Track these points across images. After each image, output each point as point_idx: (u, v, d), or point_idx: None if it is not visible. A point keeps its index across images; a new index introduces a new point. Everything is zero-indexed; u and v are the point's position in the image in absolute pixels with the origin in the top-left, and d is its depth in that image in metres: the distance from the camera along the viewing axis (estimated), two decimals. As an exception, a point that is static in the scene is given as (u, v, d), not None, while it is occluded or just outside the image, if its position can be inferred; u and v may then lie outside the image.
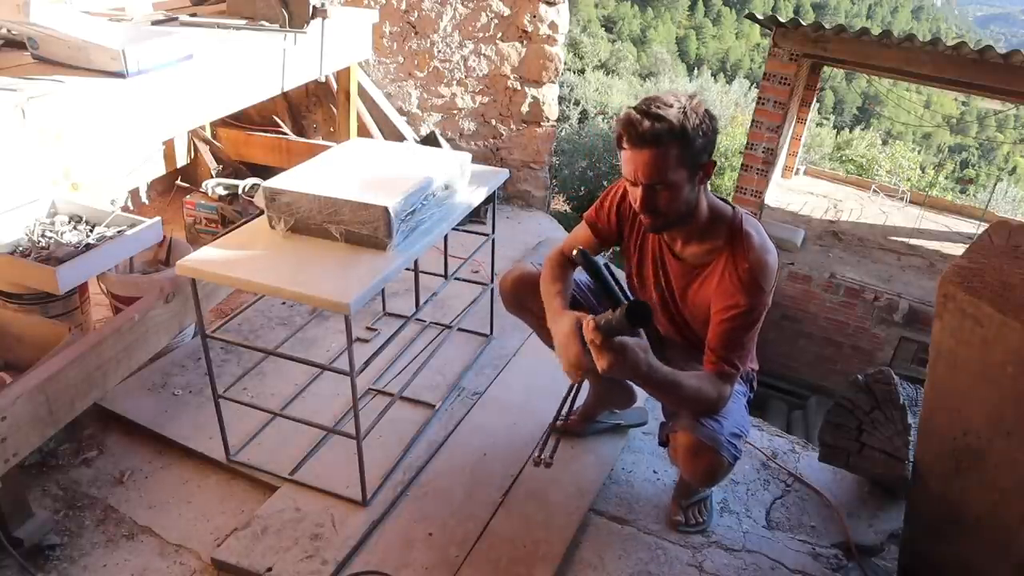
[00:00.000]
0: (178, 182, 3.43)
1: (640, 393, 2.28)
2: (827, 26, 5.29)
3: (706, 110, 1.46)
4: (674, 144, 1.42)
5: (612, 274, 1.43)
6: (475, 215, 3.35)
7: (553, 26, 3.74)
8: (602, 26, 32.99)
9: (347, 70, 3.15)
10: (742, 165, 5.85)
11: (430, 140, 3.69)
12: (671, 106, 1.42)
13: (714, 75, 20.26)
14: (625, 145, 1.47)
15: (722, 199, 1.63)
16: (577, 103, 11.43)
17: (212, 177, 3.28)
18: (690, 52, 36.80)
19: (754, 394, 1.88)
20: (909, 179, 10.76)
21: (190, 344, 2.44)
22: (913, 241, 6.39)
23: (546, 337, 1.92)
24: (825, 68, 6.99)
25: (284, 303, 2.73)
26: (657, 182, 1.46)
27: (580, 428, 2.14)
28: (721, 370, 1.57)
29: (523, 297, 1.88)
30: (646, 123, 1.40)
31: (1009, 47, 5.14)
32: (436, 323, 2.63)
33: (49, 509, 1.82)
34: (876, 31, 5.22)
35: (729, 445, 1.63)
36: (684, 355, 1.77)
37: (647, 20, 38.04)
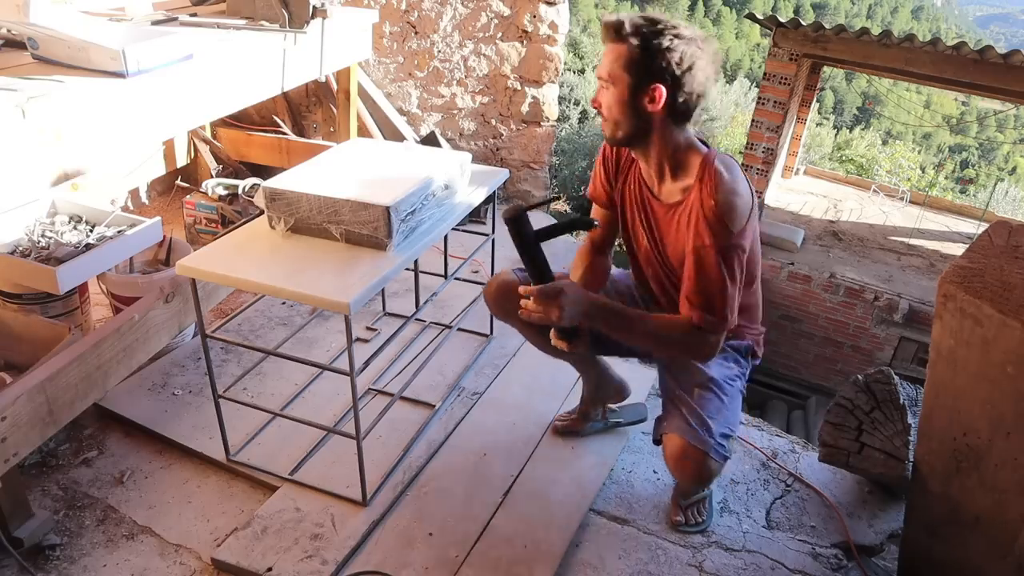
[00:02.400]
0: (178, 182, 3.43)
1: (638, 392, 2.28)
2: (827, 26, 5.29)
3: (692, 49, 1.43)
4: (628, 45, 1.42)
5: (529, 236, 1.49)
6: (475, 215, 3.35)
7: (553, 26, 3.74)
8: (602, 26, 32.88)
9: (347, 70, 3.15)
10: (742, 165, 5.85)
11: (430, 140, 3.69)
12: (657, 23, 1.43)
13: (714, 75, 20.20)
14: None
15: (703, 141, 1.58)
16: (577, 103, 11.43)
17: (212, 177, 3.28)
18: (690, 52, 36.65)
19: (750, 378, 1.83)
20: (909, 179, 10.77)
21: (190, 344, 2.44)
22: (913, 241, 6.39)
23: (533, 340, 1.94)
24: (825, 68, 6.99)
25: (284, 303, 2.73)
26: (603, 76, 1.48)
27: (580, 427, 2.15)
28: (694, 316, 1.52)
29: (505, 305, 1.84)
30: (616, 18, 1.44)
31: (1009, 47, 5.13)
32: (436, 323, 2.63)
33: (49, 509, 1.82)
34: (876, 31, 5.22)
35: (718, 447, 1.63)
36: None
37: (647, 20, 37.93)
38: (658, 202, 1.64)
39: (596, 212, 1.83)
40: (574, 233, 1.47)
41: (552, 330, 1.64)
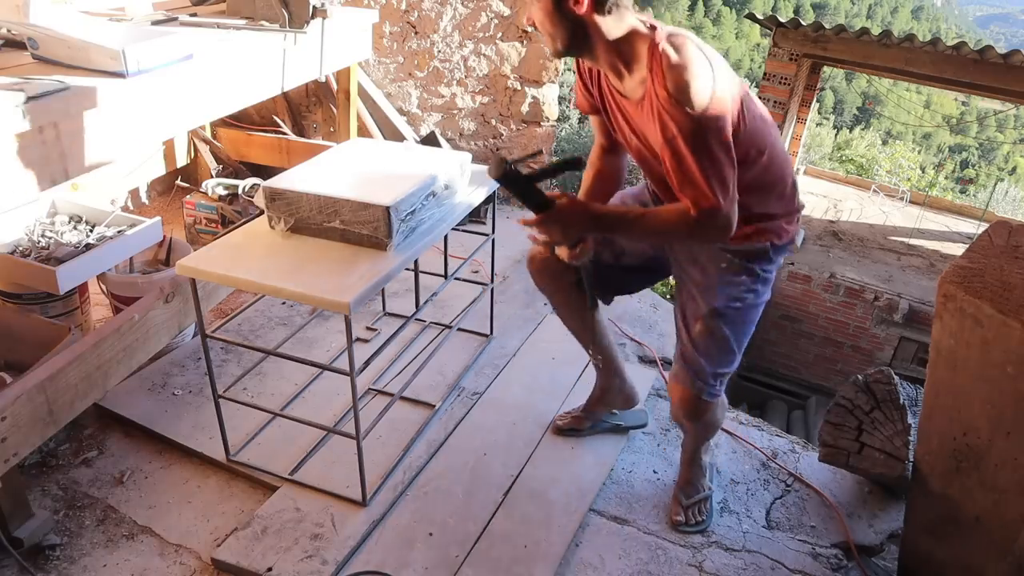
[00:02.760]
0: (178, 182, 3.43)
1: (639, 392, 2.28)
2: (827, 26, 5.30)
3: None
4: None
5: (520, 181, 1.53)
6: (475, 215, 3.35)
7: (553, 26, 3.73)
8: (602, 26, 32.89)
9: (347, 70, 3.15)
10: (742, 165, 5.84)
11: (430, 140, 3.69)
12: None
13: (714, 75, 20.21)
14: None
15: (652, 25, 1.50)
16: (577, 103, 11.41)
17: (212, 177, 3.28)
18: (690, 52, 36.69)
19: (772, 271, 1.72)
20: (909, 179, 10.77)
21: (190, 344, 2.44)
22: (913, 241, 6.39)
23: (565, 319, 2.03)
24: (825, 68, 6.98)
25: (284, 303, 2.73)
26: None
27: (580, 426, 2.15)
28: (690, 208, 1.46)
29: (544, 282, 1.95)
30: None
31: (1009, 47, 5.14)
32: (436, 323, 2.63)
33: (49, 509, 1.82)
34: (876, 31, 5.22)
35: (709, 388, 1.73)
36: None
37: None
38: (627, 100, 1.58)
39: (593, 120, 1.82)
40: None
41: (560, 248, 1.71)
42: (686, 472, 1.98)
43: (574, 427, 2.15)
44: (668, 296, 7.93)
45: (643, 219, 1.57)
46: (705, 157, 1.41)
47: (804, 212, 6.69)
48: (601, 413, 2.16)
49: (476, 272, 2.96)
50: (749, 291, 1.71)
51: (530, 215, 1.59)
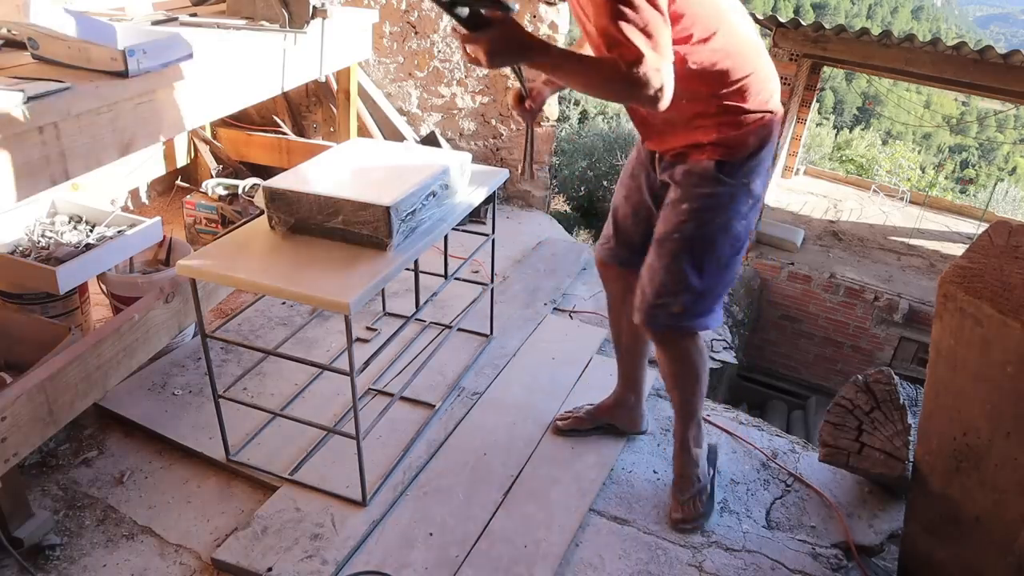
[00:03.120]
0: (178, 182, 3.43)
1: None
2: (827, 26, 5.30)
3: None
4: None
5: None
6: (475, 215, 3.35)
7: (553, 26, 3.74)
8: (602, 26, 32.85)
9: (347, 70, 3.15)
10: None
11: (430, 140, 3.69)
12: None
13: (714, 75, 20.20)
14: None
15: None
16: (577, 103, 11.42)
17: (212, 177, 3.28)
18: (690, 52, 36.66)
19: (738, 180, 1.62)
20: (909, 179, 10.77)
21: (190, 344, 2.44)
22: (913, 241, 6.39)
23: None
24: (825, 68, 6.99)
25: (284, 303, 2.73)
26: None
27: (581, 427, 2.15)
28: (620, 62, 1.39)
29: (606, 276, 2.04)
30: None
31: (1009, 47, 5.14)
32: (436, 323, 2.63)
33: (49, 509, 1.82)
34: (876, 31, 5.22)
35: (652, 317, 1.73)
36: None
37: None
38: None
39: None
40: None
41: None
42: (678, 463, 1.97)
43: (575, 428, 2.15)
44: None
45: (576, 59, 1.49)
46: (628, 8, 1.36)
47: (805, 212, 6.74)
48: (603, 421, 2.16)
49: (476, 272, 2.96)
50: (710, 205, 1.64)
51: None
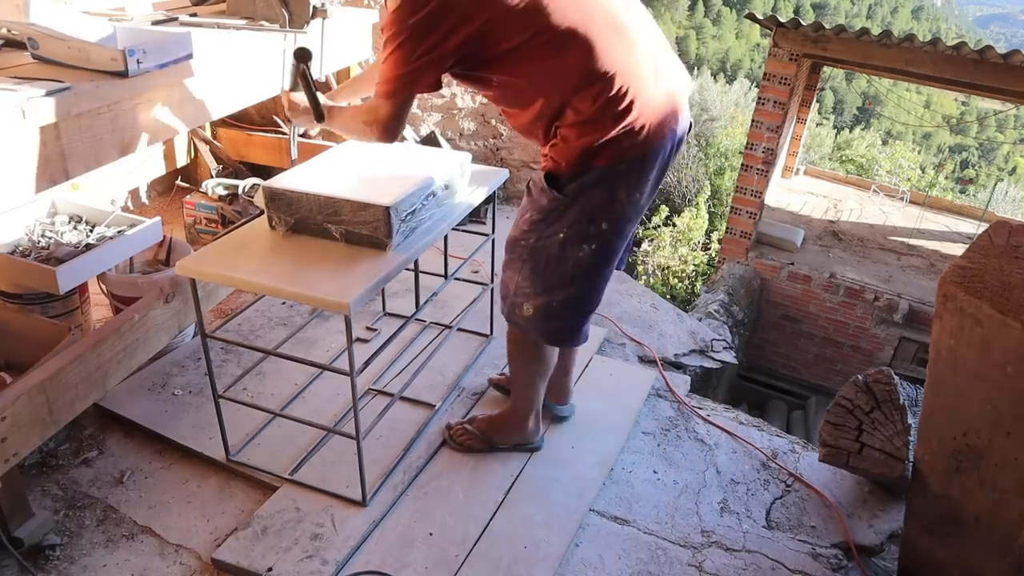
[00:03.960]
0: (178, 182, 3.43)
1: (639, 393, 2.27)
2: (827, 26, 5.29)
3: None
4: None
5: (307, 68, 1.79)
6: (475, 215, 3.35)
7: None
8: (602, 26, 32.85)
9: (347, 70, 3.15)
10: (742, 165, 5.86)
11: (430, 140, 3.69)
12: None
13: (714, 75, 20.24)
14: None
15: None
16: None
17: (212, 177, 3.28)
18: (690, 52, 36.78)
19: (560, 196, 1.60)
20: (909, 179, 10.76)
21: (190, 344, 2.44)
22: (913, 241, 6.39)
23: None
24: (825, 68, 6.99)
25: (284, 303, 2.73)
26: None
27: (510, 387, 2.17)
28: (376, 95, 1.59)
29: None
30: None
31: (1009, 47, 5.14)
32: (436, 323, 2.63)
33: (49, 509, 1.82)
34: (876, 31, 5.22)
35: (520, 316, 1.77)
36: None
37: (648, 20, 37.99)
38: None
39: None
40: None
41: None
42: (507, 410, 2.05)
43: (506, 387, 2.22)
44: (668, 296, 7.93)
45: (342, 111, 1.81)
46: (396, 52, 1.50)
47: (805, 212, 6.74)
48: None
49: (476, 272, 2.96)
50: (540, 218, 1.64)
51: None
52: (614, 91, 1.49)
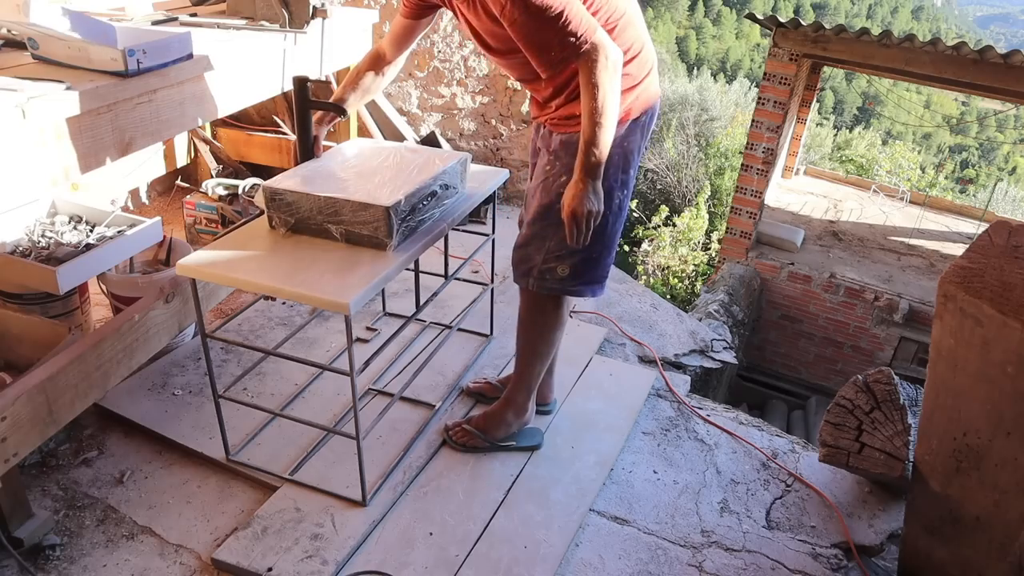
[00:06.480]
0: (178, 182, 3.43)
1: (638, 392, 2.27)
2: (827, 26, 5.29)
3: None
4: None
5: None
6: (475, 215, 3.35)
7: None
8: (602, 26, 32.89)
9: (347, 70, 3.15)
10: (742, 165, 5.86)
11: (430, 140, 3.69)
12: None
13: (714, 75, 20.25)
14: None
15: None
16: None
17: (212, 177, 3.28)
18: (690, 52, 36.80)
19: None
20: (909, 179, 10.76)
21: (190, 344, 2.44)
22: (913, 241, 6.39)
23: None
24: (825, 68, 6.99)
25: (284, 303, 2.73)
26: None
27: (490, 394, 2.20)
28: (579, 63, 1.51)
29: None
30: None
31: (1009, 47, 5.14)
32: (436, 323, 2.63)
33: (49, 509, 1.82)
34: (876, 31, 5.22)
35: (553, 280, 1.78)
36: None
37: (647, 20, 38.01)
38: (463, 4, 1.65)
39: (399, 24, 1.91)
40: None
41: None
42: (502, 401, 2.05)
43: (482, 392, 2.22)
44: (668, 296, 7.93)
45: (591, 130, 1.58)
46: (545, 9, 1.44)
47: (805, 212, 6.74)
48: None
49: (476, 272, 2.96)
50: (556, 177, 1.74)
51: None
52: (641, 47, 1.70)
